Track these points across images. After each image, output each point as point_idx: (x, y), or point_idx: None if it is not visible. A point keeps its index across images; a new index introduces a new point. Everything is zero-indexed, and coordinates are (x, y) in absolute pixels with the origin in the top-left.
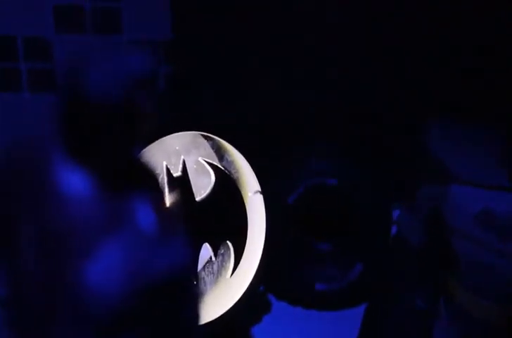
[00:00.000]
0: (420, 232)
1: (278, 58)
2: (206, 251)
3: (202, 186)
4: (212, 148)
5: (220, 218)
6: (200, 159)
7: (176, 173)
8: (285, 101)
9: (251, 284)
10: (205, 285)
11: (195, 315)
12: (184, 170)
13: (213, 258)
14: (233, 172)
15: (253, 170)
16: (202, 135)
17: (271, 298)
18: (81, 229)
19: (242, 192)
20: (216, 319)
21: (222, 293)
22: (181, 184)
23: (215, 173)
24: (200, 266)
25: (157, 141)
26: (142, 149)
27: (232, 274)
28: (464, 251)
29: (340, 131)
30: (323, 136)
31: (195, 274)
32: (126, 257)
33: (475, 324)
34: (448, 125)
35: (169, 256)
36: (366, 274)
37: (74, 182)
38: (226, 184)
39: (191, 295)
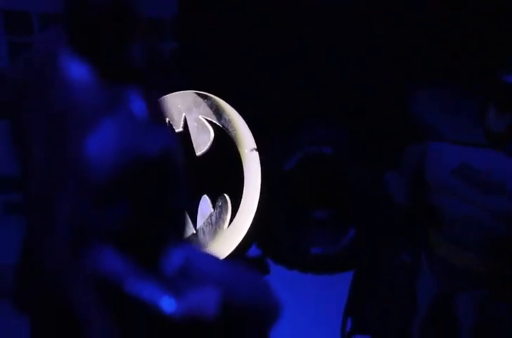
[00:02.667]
0: (405, 190)
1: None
2: (206, 206)
3: (202, 142)
4: (211, 108)
5: (218, 172)
6: (201, 117)
7: (178, 129)
8: (282, 75)
9: (246, 235)
10: (203, 235)
11: (181, 197)
12: (185, 126)
13: (211, 209)
14: (230, 130)
15: (253, 134)
16: (202, 95)
17: (269, 262)
18: (83, 110)
19: (239, 149)
20: None
21: (220, 243)
22: (183, 139)
23: (214, 130)
24: (201, 220)
25: (160, 99)
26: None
27: (229, 225)
28: (445, 205)
29: (332, 102)
30: (317, 108)
31: (180, 160)
32: (120, 135)
33: (457, 275)
34: (429, 88)
35: (156, 138)
36: (359, 238)
37: (78, 70)
38: (224, 141)
39: (176, 178)
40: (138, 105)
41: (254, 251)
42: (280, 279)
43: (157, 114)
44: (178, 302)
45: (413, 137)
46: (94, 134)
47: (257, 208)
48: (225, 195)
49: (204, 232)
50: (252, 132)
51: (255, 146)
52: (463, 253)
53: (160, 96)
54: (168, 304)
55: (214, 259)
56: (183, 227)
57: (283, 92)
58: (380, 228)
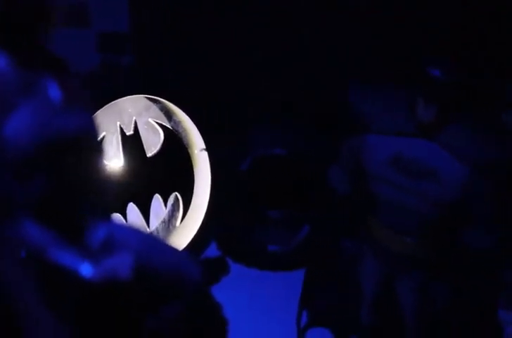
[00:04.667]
0: (345, 180)
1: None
2: (158, 205)
3: (153, 144)
4: (161, 111)
5: (169, 172)
6: (151, 120)
7: (129, 132)
8: (237, 75)
9: (199, 232)
10: (157, 233)
11: (100, 174)
12: (136, 129)
13: (163, 208)
14: (180, 131)
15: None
16: (152, 98)
17: (228, 260)
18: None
19: (189, 150)
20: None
21: (173, 240)
22: (133, 141)
23: (164, 132)
24: (154, 219)
25: (111, 103)
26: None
27: (181, 222)
28: (381, 193)
29: (284, 102)
30: (270, 109)
31: (96, 140)
32: (35, 116)
33: (396, 259)
34: (365, 84)
35: (71, 119)
36: (313, 235)
37: None
38: (174, 142)
39: (94, 156)
40: (53, 90)
41: (213, 251)
42: (239, 277)
43: (74, 99)
44: (96, 267)
45: (352, 131)
46: (11, 115)
47: (210, 206)
48: (176, 193)
49: (158, 230)
50: (206, 134)
51: (204, 147)
52: (401, 238)
53: (79, 83)
54: (86, 270)
55: (134, 231)
56: (104, 202)
57: (237, 95)
58: (330, 222)
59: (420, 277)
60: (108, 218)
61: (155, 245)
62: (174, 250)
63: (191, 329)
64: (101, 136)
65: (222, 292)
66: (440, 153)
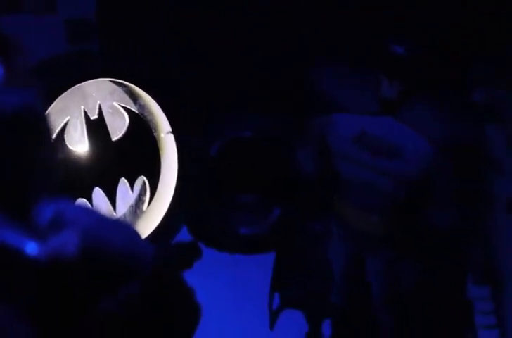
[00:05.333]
0: (312, 160)
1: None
2: (125, 189)
3: (118, 128)
4: (127, 94)
5: (135, 156)
6: (115, 103)
7: (93, 116)
8: (203, 58)
9: (168, 215)
10: (124, 217)
11: (47, 152)
12: (100, 113)
13: (130, 192)
14: (146, 114)
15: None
16: (117, 82)
17: (200, 245)
18: None
19: (155, 133)
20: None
21: (141, 223)
22: (98, 126)
23: (129, 116)
24: (120, 202)
25: (74, 87)
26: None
27: (148, 206)
28: (346, 172)
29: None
30: (238, 94)
31: (42, 117)
32: None
33: (364, 239)
34: (330, 65)
35: (13, 96)
36: (283, 217)
37: None
38: (140, 125)
39: (39, 134)
40: None
41: (185, 235)
42: (212, 261)
43: (17, 76)
44: (41, 246)
45: (318, 110)
46: None
47: (178, 190)
48: (143, 177)
49: (124, 214)
50: (172, 117)
51: (171, 130)
52: (366, 216)
53: (25, 63)
54: (32, 248)
55: (86, 211)
56: (54, 181)
57: (203, 78)
58: (300, 203)
59: (386, 255)
60: (57, 197)
61: (107, 224)
62: (128, 229)
63: (162, 315)
64: (65, 120)
65: (195, 276)
66: (405, 130)
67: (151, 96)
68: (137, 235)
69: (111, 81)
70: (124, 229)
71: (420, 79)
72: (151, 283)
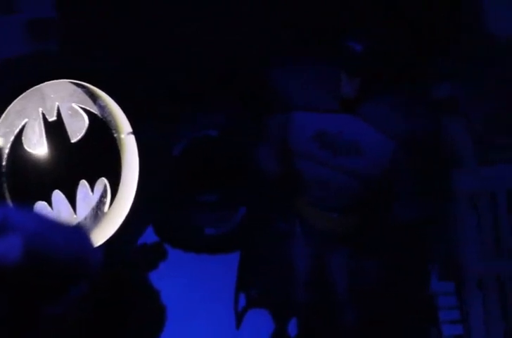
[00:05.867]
0: (272, 158)
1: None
2: (86, 191)
3: (77, 129)
4: (86, 95)
5: (95, 157)
6: (74, 105)
7: (52, 118)
8: (163, 57)
9: (130, 218)
10: (85, 219)
11: None
12: (59, 115)
13: (90, 194)
14: (106, 115)
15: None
16: (75, 83)
17: (166, 246)
18: None
19: (116, 134)
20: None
21: (102, 226)
22: (57, 127)
23: (89, 117)
24: (80, 204)
25: (33, 88)
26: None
27: (109, 208)
28: (306, 170)
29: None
30: (199, 92)
31: None
32: None
33: (325, 237)
34: (289, 63)
35: None
36: (249, 216)
37: None
38: (100, 126)
39: None
40: None
41: (150, 237)
42: (178, 262)
43: None
44: None
45: (277, 109)
46: None
47: (140, 191)
48: (103, 179)
49: (86, 217)
50: (133, 117)
51: (131, 130)
52: (327, 214)
53: None
54: None
55: (32, 214)
56: None
57: (164, 77)
58: (264, 202)
59: (348, 253)
60: (3, 202)
61: (54, 229)
62: (76, 233)
63: (121, 316)
64: (23, 122)
65: (161, 278)
66: (364, 128)
67: (111, 96)
68: (85, 239)
69: (71, 82)
70: (72, 233)
71: (380, 76)
72: (103, 286)
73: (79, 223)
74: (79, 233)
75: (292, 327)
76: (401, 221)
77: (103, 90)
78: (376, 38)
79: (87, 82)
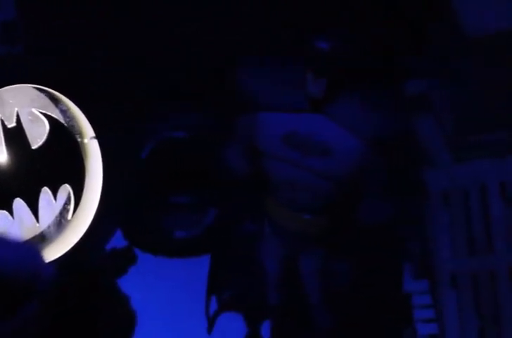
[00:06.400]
0: (241, 159)
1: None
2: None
3: (38, 135)
4: (47, 100)
5: (57, 164)
6: (34, 110)
7: (11, 124)
8: (126, 60)
9: (96, 222)
10: (48, 227)
11: None
12: (18, 121)
13: (53, 201)
14: (67, 120)
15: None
16: (36, 88)
17: (135, 250)
18: None
19: (79, 139)
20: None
21: (66, 234)
22: (16, 134)
23: (50, 122)
24: (43, 212)
25: None
26: None
27: (73, 215)
28: (275, 171)
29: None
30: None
31: None
32: None
33: (296, 238)
34: (254, 63)
35: None
36: (220, 218)
37: None
38: (61, 132)
39: None
40: None
41: (119, 241)
42: (148, 267)
43: None
44: None
45: (244, 110)
46: None
47: (109, 195)
48: (67, 185)
49: (49, 225)
50: (96, 122)
51: (94, 135)
52: (298, 215)
53: None
54: None
55: None
56: None
57: (128, 80)
58: (234, 204)
59: (320, 254)
60: None
61: (3, 244)
62: (26, 248)
63: (96, 323)
64: None
65: (130, 283)
66: (334, 128)
67: (73, 100)
68: (36, 256)
69: (32, 87)
70: (23, 250)
71: (347, 74)
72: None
73: (41, 233)
74: (30, 249)
75: (266, 331)
76: (373, 221)
77: (64, 94)
78: (343, 37)
79: (49, 86)
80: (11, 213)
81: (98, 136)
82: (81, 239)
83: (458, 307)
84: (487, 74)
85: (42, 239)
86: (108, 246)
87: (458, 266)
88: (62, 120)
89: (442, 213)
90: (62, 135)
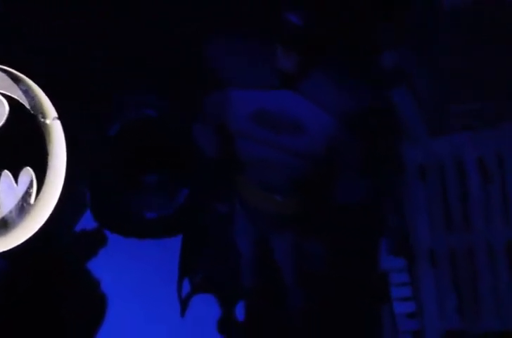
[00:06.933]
0: (210, 139)
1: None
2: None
3: None
4: (6, 80)
5: (18, 146)
6: None
7: None
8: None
9: (57, 207)
10: (10, 212)
11: None
12: None
13: (15, 185)
14: (29, 100)
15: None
16: None
17: (106, 232)
18: None
19: (41, 119)
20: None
21: (29, 218)
22: None
23: (10, 103)
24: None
25: None
26: None
27: (36, 199)
28: (246, 151)
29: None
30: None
31: None
32: None
33: (269, 219)
34: (222, 37)
35: None
36: (192, 198)
37: None
38: (22, 113)
39: None
40: None
41: (89, 223)
42: (119, 248)
43: None
44: None
45: (213, 86)
46: None
47: (75, 176)
48: (28, 168)
49: (11, 210)
50: (60, 101)
51: (57, 115)
52: (270, 196)
53: None
54: None
55: None
56: None
57: (94, 56)
58: (204, 184)
59: (293, 235)
60: None
61: None
62: None
63: (65, 307)
64: None
65: (100, 266)
66: (305, 104)
67: (35, 80)
68: None
69: None
70: None
71: (319, 49)
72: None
73: (2, 218)
74: None
75: (240, 312)
76: (349, 200)
77: (25, 73)
78: (314, 8)
79: (8, 66)
80: None
81: (62, 116)
82: (47, 222)
83: (436, 284)
84: (462, 46)
85: (4, 224)
86: (77, 229)
87: (436, 243)
88: (23, 101)
89: (419, 189)
90: (23, 116)
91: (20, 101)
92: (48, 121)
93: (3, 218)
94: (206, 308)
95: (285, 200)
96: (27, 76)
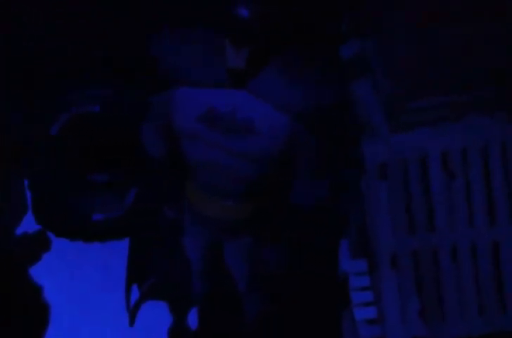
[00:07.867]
0: (157, 141)
1: None
2: None
3: None
4: None
5: None
6: None
7: None
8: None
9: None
10: None
11: None
12: None
13: None
14: None
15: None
16: None
17: (50, 235)
18: None
19: None
20: None
21: None
22: None
23: None
24: None
25: None
26: None
27: None
28: (194, 153)
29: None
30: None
31: None
32: None
33: (219, 225)
34: (170, 34)
35: None
36: (141, 199)
37: None
38: None
39: None
40: None
41: (31, 226)
42: (64, 253)
43: None
44: None
45: (160, 85)
46: None
47: (15, 176)
48: None
49: None
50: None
51: None
52: (220, 201)
53: None
54: None
55: None
56: None
57: (38, 50)
58: (153, 186)
59: (245, 240)
60: None
61: None
62: None
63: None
64: None
65: (44, 270)
66: (257, 103)
67: None
68: None
69: None
70: None
71: (271, 43)
72: None
73: None
74: None
75: (193, 319)
76: (306, 203)
77: None
78: (265, 1)
79: None
80: None
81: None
82: None
83: (398, 288)
84: (424, 34)
85: None
86: (19, 232)
87: (398, 245)
88: None
89: (380, 188)
90: None
91: None
92: None
93: None
94: (156, 315)
95: (237, 205)
96: None
